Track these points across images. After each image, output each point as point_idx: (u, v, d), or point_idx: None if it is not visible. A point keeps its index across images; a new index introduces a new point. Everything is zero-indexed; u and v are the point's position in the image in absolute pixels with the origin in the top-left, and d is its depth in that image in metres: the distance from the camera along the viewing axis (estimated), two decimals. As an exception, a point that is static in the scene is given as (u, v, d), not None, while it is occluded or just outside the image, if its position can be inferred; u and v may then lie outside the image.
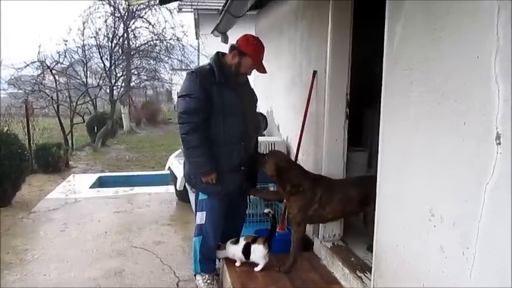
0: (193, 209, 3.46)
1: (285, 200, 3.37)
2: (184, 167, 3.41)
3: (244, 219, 3.68)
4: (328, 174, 3.39)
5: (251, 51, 3.14)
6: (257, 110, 3.68)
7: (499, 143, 1.48)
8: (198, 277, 3.40)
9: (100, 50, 12.80)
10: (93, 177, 7.86)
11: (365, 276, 2.82)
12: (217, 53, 3.26)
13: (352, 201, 3.12)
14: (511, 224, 1.44)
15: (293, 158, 3.99)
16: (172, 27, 13.38)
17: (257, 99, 3.55)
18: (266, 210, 3.39)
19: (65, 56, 12.35)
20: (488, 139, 1.52)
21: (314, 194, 3.08)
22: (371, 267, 2.53)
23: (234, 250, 3.31)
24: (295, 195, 3.11)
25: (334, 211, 3.12)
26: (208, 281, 3.35)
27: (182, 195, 5.74)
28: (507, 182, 1.45)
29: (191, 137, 3.06)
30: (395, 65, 2.18)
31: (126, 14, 12.76)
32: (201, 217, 3.30)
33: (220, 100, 3.09)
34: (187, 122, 3.05)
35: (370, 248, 3.12)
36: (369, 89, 3.67)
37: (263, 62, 3.27)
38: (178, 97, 3.19)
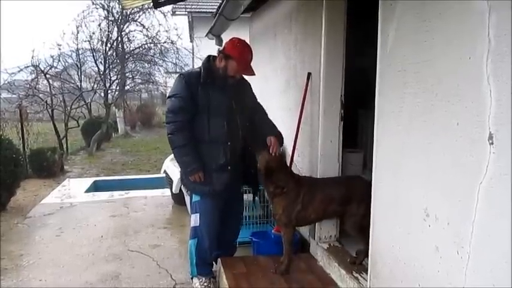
0: (189, 212, 3.47)
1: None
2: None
3: (241, 221, 3.68)
4: (324, 175, 3.41)
5: (236, 54, 3.17)
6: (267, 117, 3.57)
7: (492, 143, 1.50)
8: (195, 280, 3.41)
9: (94, 54, 12.79)
10: (88, 182, 7.83)
11: (361, 276, 2.83)
12: (209, 56, 3.30)
13: (333, 201, 3.13)
14: (504, 223, 1.45)
15: (288, 160, 4.00)
16: (166, 30, 13.40)
17: (253, 100, 3.52)
18: None
19: (59, 60, 12.32)
20: (481, 139, 1.54)
21: (297, 195, 3.11)
22: (367, 268, 2.55)
23: None
24: (278, 197, 3.13)
25: (316, 211, 3.14)
26: (205, 284, 3.36)
27: (178, 199, 5.74)
28: (500, 181, 1.47)
29: (176, 136, 3.13)
30: (389, 66, 2.20)
31: (120, 18, 12.75)
32: (195, 219, 3.32)
33: (205, 100, 3.14)
34: (172, 121, 3.13)
35: (358, 253, 3.13)
36: (364, 90, 3.69)
37: (252, 64, 3.27)
38: (166, 98, 3.26)
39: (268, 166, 3.10)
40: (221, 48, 3.27)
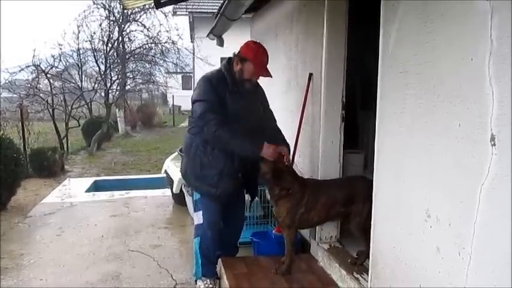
0: (191, 212, 3.46)
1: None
2: (181, 164, 3.40)
3: (243, 221, 3.67)
4: (325, 176, 3.41)
5: (251, 56, 3.13)
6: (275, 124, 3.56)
7: (494, 144, 1.50)
8: (199, 283, 3.36)
9: (95, 54, 12.83)
10: (88, 181, 7.83)
11: (362, 277, 2.83)
12: (229, 58, 3.22)
13: (336, 204, 3.13)
14: (506, 224, 1.46)
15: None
16: (167, 31, 13.44)
17: (266, 106, 3.48)
18: None
19: (60, 60, 12.32)
20: (483, 140, 1.54)
21: (302, 197, 3.10)
22: (368, 269, 2.55)
23: None
24: (283, 199, 3.12)
25: (319, 215, 3.14)
26: (210, 286, 3.34)
27: (178, 199, 5.74)
28: (502, 182, 1.47)
29: (221, 131, 2.99)
30: (391, 68, 2.20)
31: (121, 18, 12.79)
32: (198, 217, 3.30)
33: (230, 106, 3.09)
34: (210, 119, 2.99)
35: (359, 254, 3.13)
36: (365, 91, 3.69)
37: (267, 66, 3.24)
38: (193, 102, 3.11)
39: (276, 168, 3.08)
40: (236, 52, 3.21)
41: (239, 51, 3.19)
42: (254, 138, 3.09)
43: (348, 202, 3.09)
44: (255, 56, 3.15)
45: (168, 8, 13.68)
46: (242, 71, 3.13)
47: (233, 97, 3.10)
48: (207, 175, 3.18)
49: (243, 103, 3.14)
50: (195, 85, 3.20)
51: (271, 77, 3.26)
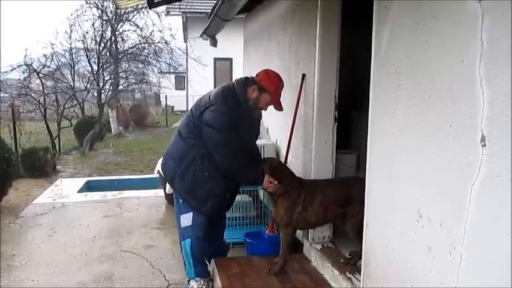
0: (177, 212, 3.41)
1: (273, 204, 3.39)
2: (166, 166, 3.37)
3: (225, 220, 3.71)
4: (317, 176, 3.42)
5: (272, 89, 3.13)
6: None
7: (484, 145, 1.52)
8: (193, 283, 3.34)
9: (87, 53, 12.76)
10: (81, 182, 7.78)
11: (354, 277, 2.85)
12: (245, 81, 3.18)
13: (333, 203, 3.14)
14: (496, 224, 1.47)
15: (282, 161, 4.01)
16: (160, 31, 13.40)
17: (259, 133, 3.59)
18: None
19: (52, 60, 12.26)
20: (474, 141, 1.55)
21: (299, 195, 3.12)
22: (360, 269, 2.56)
23: None
24: (282, 196, 3.14)
25: (316, 213, 3.14)
26: (204, 286, 3.33)
27: (171, 199, 5.70)
28: (492, 182, 1.49)
29: (234, 164, 3.08)
30: (383, 68, 2.22)
31: (114, 17, 12.73)
32: (188, 218, 3.27)
33: (240, 130, 3.11)
34: (227, 152, 3.05)
35: (352, 254, 3.15)
36: (357, 92, 3.71)
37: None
38: (208, 127, 3.05)
39: (271, 168, 3.14)
40: (255, 78, 3.18)
41: (259, 80, 3.16)
42: (258, 169, 3.14)
43: (345, 203, 3.11)
44: (276, 89, 3.17)
45: (161, 8, 13.67)
46: (258, 100, 3.14)
47: (244, 121, 3.13)
48: (197, 189, 3.19)
49: (249, 126, 3.22)
50: (209, 100, 3.09)
51: (283, 110, 3.30)
